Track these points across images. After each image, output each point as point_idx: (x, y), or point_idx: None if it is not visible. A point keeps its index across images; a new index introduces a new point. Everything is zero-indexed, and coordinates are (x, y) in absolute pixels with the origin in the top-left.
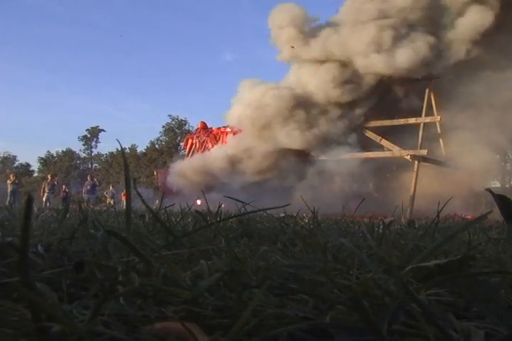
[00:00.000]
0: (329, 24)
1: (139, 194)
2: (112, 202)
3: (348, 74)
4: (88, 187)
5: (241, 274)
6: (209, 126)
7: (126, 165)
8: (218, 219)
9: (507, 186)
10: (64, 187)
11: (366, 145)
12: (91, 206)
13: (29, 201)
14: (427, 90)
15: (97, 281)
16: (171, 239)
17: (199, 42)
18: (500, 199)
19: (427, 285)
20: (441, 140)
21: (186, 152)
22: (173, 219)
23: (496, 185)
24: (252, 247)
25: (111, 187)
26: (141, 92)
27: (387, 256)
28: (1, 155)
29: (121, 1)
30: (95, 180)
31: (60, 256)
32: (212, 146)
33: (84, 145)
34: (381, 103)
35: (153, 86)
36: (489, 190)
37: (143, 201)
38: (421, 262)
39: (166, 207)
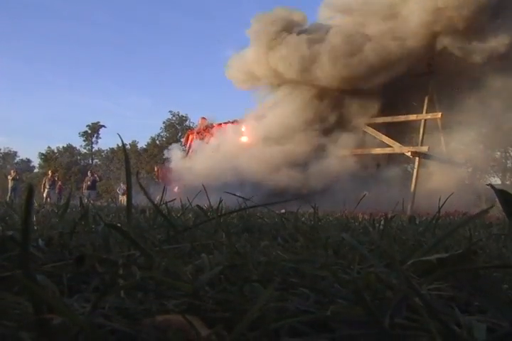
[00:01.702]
0: None
1: (142, 187)
2: (123, 200)
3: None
4: (88, 182)
5: (242, 268)
6: (210, 122)
7: (127, 159)
8: (220, 212)
9: (507, 183)
10: (59, 183)
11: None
12: (91, 201)
13: (30, 192)
14: (429, 86)
15: (97, 275)
16: (172, 233)
17: (200, 38)
18: (502, 194)
19: (428, 280)
20: (442, 136)
21: (187, 148)
22: (174, 214)
23: (496, 181)
24: (253, 242)
25: (122, 184)
26: (142, 88)
27: (389, 249)
28: (2, 150)
29: None
30: (96, 175)
31: (61, 250)
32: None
33: (84, 141)
34: (382, 99)
35: (154, 82)
36: (491, 186)
37: (146, 194)
38: (422, 256)
39: (166, 202)
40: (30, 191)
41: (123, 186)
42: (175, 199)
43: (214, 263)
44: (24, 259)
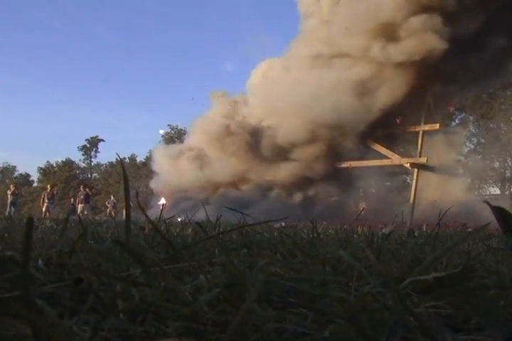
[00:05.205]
0: None
1: (141, 207)
2: (112, 212)
3: None
4: (82, 197)
5: (241, 288)
6: None
7: (126, 177)
8: (219, 230)
9: (506, 193)
10: (72, 200)
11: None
12: (86, 215)
13: (30, 222)
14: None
15: (96, 296)
16: (171, 251)
17: (198, 52)
18: (498, 211)
19: (425, 299)
20: (440, 147)
21: None
22: (173, 230)
23: (495, 191)
24: (252, 259)
25: (112, 197)
26: (141, 102)
27: (386, 269)
28: (1, 165)
29: (122, 11)
30: (87, 189)
31: (60, 270)
32: None
33: (83, 155)
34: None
35: (154, 95)
36: (487, 202)
37: (143, 212)
38: (420, 274)
39: (165, 219)
40: (30, 223)
41: (113, 199)
42: (174, 216)
43: (212, 283)
44: (24, 287)
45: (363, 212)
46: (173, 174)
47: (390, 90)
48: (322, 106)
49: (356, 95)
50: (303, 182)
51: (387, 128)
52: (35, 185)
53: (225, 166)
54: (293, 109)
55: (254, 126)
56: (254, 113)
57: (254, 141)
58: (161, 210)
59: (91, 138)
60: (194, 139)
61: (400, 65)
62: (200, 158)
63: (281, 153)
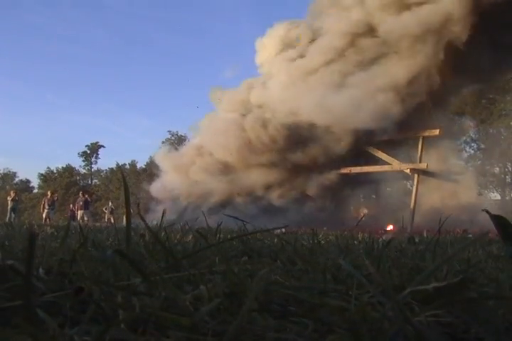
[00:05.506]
0: None
1: (141, 216)
2: (111, 218)
3: None
4: (81, 203)
5: (241, 296)
6: None
7: (126, 186)
8: (219, 237)
9: (507, 198)
10: (71, 206)
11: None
12: (85, 220)
13: (32, 237)
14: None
15: (97, 306)
16: (171, 260)
17: (199, 59)
18: (497, 219)
19: (425, 308)
20: (440, 153)
21: None
22: (173, 237)
23: (496, 197)
24: (253, 266)
25: (110, 203)
26: (141, 108)
27: (386, 279)
28: (1, 171)
29: (122, 18)
30: (87, 196)
31: (61, 278)
32: None
33: (84, 161)
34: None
35: (154, 102)
36: (486, 211)
37: (143, 221)
38: (420, 283)
39: (166, 227)
40: (33, 234)
41: (111, 205)
42: (174, 223)
43: (213, 293)
44: (26, 297)
45: (363, 218)
46: (184, 181)
47: (424, 90)
48: (366, 111)
49: (397, 97)
50: (333, 187)
51: (393, 132)
52: (35, 191)
53: (250, 178)
54: (334, 116)
55: (283, 141)
56: (278, 117)
57: (284, 157)
58: (162, 216)
59: (91, 144)
60: (201, 143)
61: (436, 65)
62: (222, 169)
63: (316, 163)
